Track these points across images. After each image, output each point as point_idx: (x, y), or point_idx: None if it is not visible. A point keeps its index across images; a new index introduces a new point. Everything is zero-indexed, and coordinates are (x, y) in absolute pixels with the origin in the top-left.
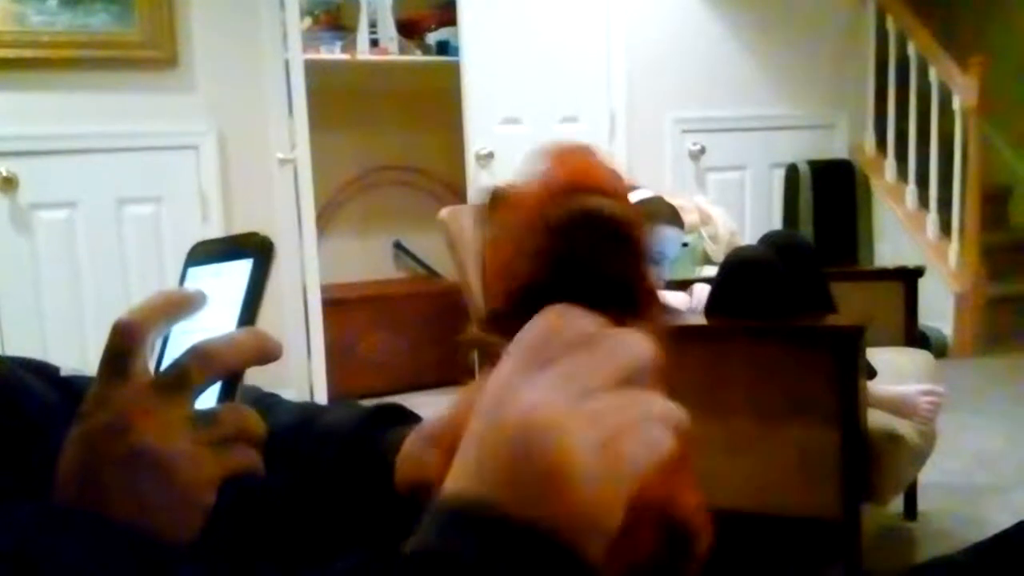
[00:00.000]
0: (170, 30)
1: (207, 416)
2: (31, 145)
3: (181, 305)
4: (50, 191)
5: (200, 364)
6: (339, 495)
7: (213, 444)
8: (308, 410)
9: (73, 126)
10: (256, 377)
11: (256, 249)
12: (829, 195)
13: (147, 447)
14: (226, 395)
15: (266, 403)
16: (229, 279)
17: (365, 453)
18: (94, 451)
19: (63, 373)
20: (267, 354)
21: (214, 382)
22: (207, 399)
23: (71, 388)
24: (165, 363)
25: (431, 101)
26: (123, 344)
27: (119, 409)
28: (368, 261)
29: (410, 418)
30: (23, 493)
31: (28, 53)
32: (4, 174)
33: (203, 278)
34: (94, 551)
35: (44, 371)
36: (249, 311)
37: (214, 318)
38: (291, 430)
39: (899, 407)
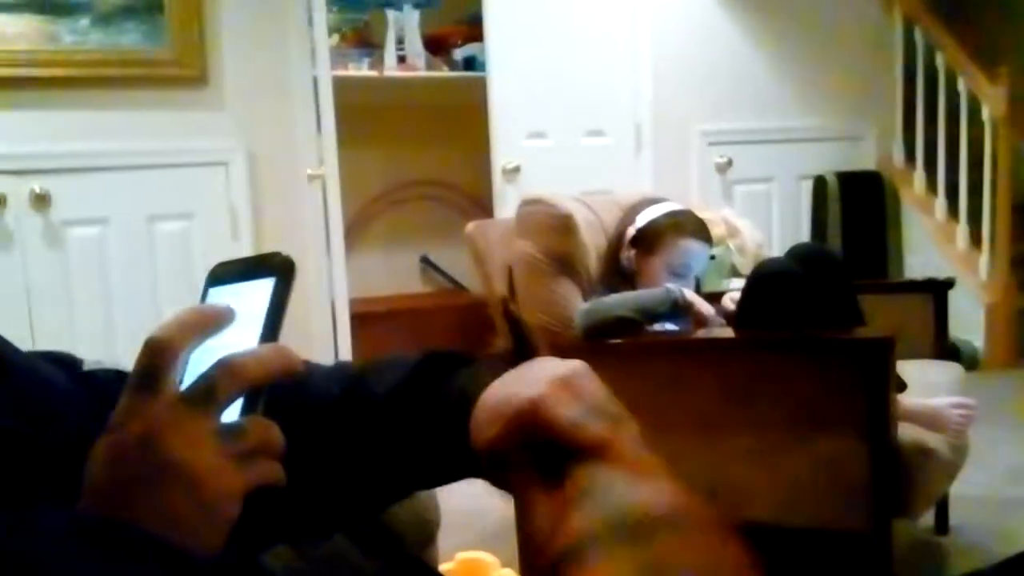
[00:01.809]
0: (200, 49)
1: (234, 429)
2: (63, 163)
3: (212, 321)
4: (82, 208)
5: (227, 378)
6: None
7: (238, 457)
8: (347, 373)
9: (105, 143)
10: None
11: (278, 269)
12: (857, 207)
13: (175, 460)
14: (249, 408)
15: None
16: (250, 298)
17: (425, 400)
18: (123, 463)
19: (86, 367)
20: (290, 369)
21: (240, 396)
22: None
23: (93, 380)
24: (187, 377)
25: (458, 116)
26: (156, 361)
27: (149, 422)
28: (396, 276)
29: (455, 362)
30: (44, 480)
31: (61, 72)
32: (37, 191)
33: (224, 298)
34: (123, 561)
35: (65, 362)
36: (272, 328)
37: (236, 335)
38: (336, 401)
39: (930, 420)
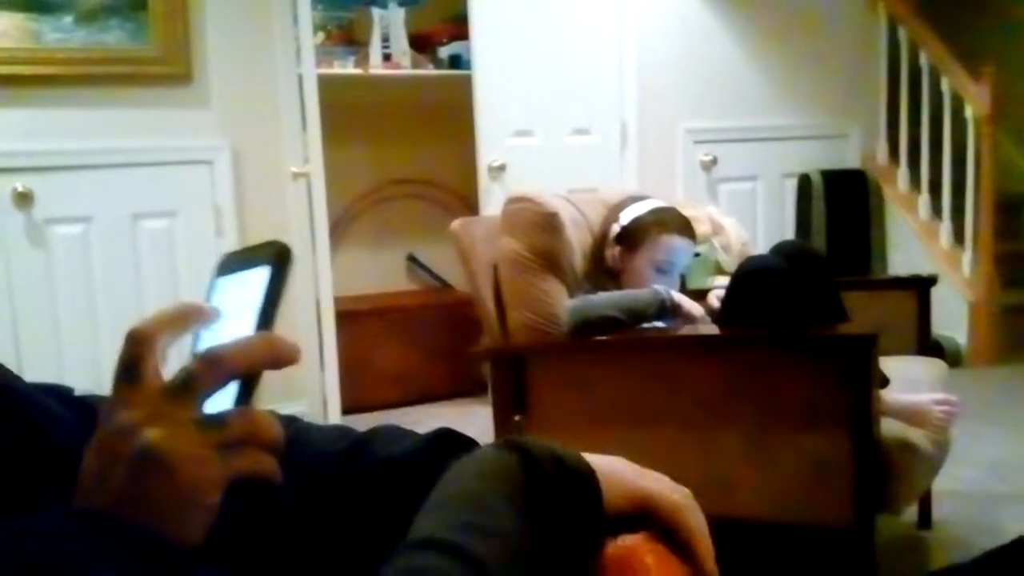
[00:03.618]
0: (185, 46)
1: (215, 419)
2: (46, 161)
3: (192, 316)
4: (65, 206)
5: (208, 368)
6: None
7: (221, 447)
8: (351, 435)
9: (88, 142)
10: (271, 388)
11: (273, 257)
12: (842, 205)
13: (150, 447)
14: (242, 399)
15: (294, 427)
16: (250, 287)
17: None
18: (105, 454)
19: (76, 393)
20: (280, 357)
21: (223, 385)
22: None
23: (84, 406)
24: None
25: (443, 114)
26: (135, 351)
27: (129, 412)
28: (381, 273)
29: (467, 444)
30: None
31: (44, 70)
32: (20, 190)
33: (229, 287)
34: (111, 556)
35: (59, 393)
36: (265, 317)
37: (236, 325)
38: (341, 455)
39: (913, 416)
